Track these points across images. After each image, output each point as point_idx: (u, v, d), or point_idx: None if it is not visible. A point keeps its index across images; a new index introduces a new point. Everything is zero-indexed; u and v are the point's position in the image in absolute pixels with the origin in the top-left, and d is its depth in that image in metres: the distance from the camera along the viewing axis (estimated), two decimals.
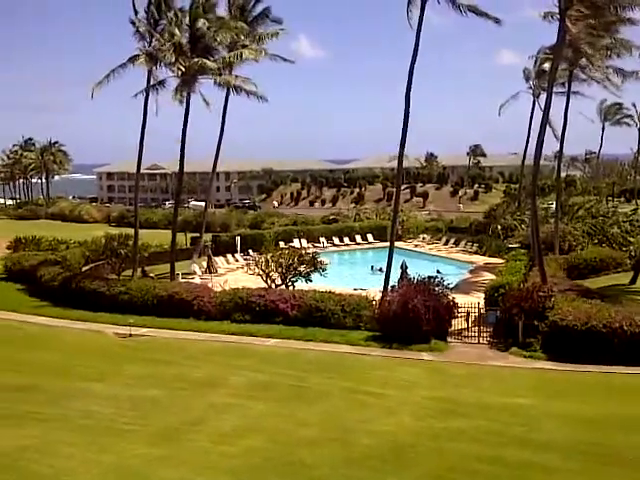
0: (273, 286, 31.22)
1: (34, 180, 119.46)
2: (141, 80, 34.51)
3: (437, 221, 62.45)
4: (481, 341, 24.68)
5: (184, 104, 34.50)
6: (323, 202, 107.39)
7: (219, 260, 44.17)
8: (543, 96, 41.38)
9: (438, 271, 34.03)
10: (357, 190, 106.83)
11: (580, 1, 28.26)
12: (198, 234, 44.99)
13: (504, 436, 15.83)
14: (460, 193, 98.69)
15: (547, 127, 31.92)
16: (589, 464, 14.26)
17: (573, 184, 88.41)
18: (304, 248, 41.76)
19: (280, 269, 31.80)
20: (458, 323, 25.67)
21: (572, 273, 35.09)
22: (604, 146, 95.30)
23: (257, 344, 24.82)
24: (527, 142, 55.47)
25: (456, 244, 50.56)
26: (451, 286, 27.90)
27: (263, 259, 32.68)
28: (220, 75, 35.68)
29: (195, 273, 39.93)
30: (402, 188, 48.99)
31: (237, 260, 45.46)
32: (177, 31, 33.99)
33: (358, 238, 54.35)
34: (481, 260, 44.62)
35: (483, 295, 28.82)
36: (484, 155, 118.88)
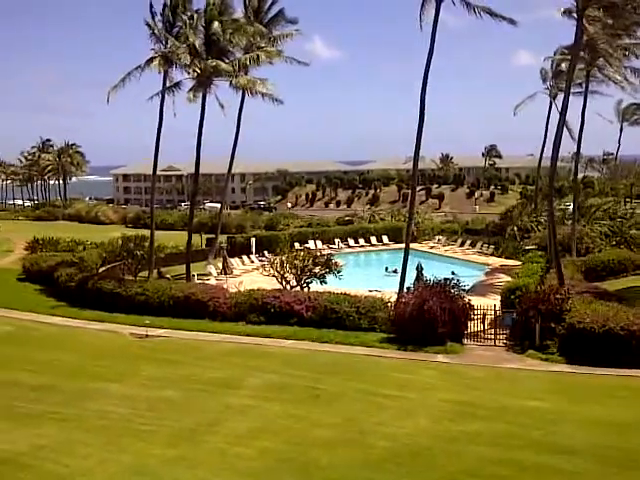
0: (288, 287, 31.25)
1: (51, 182, 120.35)
2: (157, 82, 34.73)
3: (453, 223, 62.19)
4: (497, 343, 24.51)
5: (199, 106, 34.68)
6: (338, 203, 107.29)
7: (234, 261, 44.34)
8: (560, 97, 41.04)
9: (453, 273, 33.88)
10: (372, 191, 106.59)
11: (597, 1, 28.06)
12: (214, 235, 45.11)
13: (521, 439, 15.70)
14: (476, 194, 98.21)
15: (564, 128, 31.67)
16: (608, 468, 14.11)
17: (590, 185, 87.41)
18: (319, 249, 41.77)
19: (295, 270, 31.83)
20: (474, 325, 25.50)
21: (589, 275, 34.82)
22: (622, 147, 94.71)
23: (272, 345, 24.83)
24: (544, 143, 54.90)
25: (472, 246, 50.33)
26: (467, 288, 27.72)
27: (278, 260, 32.75)
28: (236, 77, 35.73)
29: (211, 274, 40.08)
30: (417, 189, 48.73)
31: (252, 261, 45.61)
32: (192, 33, 34.13)
33: (373, 240, 54.28)
34: (497, 262, 44.36)
35: (499, 297, 28.71)
36: (500, 156, 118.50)
